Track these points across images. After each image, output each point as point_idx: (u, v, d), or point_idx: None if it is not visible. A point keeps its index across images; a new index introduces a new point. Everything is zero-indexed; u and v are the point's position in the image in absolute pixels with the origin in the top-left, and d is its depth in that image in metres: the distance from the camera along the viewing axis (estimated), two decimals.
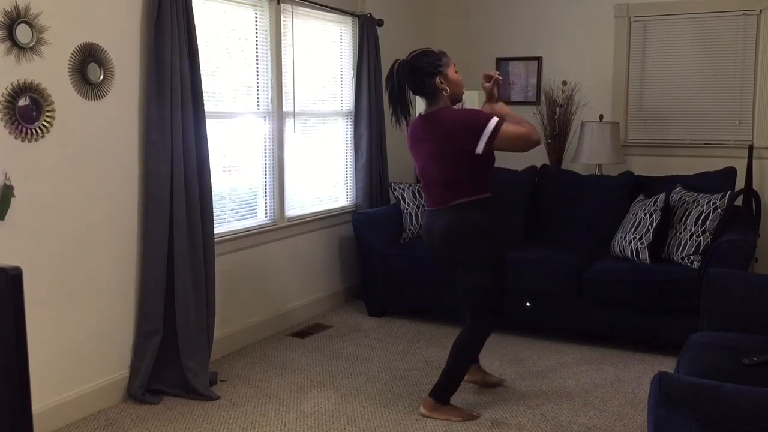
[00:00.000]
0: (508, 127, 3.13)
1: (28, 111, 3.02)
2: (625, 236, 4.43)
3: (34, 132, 3.04)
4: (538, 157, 5.68)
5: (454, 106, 3.34)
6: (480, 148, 3.10)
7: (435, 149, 3.21)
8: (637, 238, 4.33)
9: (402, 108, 3.24)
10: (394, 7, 5.66)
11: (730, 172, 4.66)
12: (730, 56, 5.30)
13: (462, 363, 3.41)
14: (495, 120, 3.12)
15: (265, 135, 4.51)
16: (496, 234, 3.29)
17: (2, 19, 2.91)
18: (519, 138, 3.16)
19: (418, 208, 5.04)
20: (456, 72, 3.28)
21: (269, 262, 4.55)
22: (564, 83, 5.65)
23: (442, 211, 3.26)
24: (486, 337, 3.44)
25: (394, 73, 3.23)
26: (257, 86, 4.42)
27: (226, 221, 4.22)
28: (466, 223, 3.22)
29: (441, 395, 3.40)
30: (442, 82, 3.23)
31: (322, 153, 5.10)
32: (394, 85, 3.23)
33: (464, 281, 3.32)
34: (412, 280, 4.81)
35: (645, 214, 4.36)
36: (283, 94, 4.58)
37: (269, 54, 4.47)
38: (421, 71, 3.22)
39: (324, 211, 5.07)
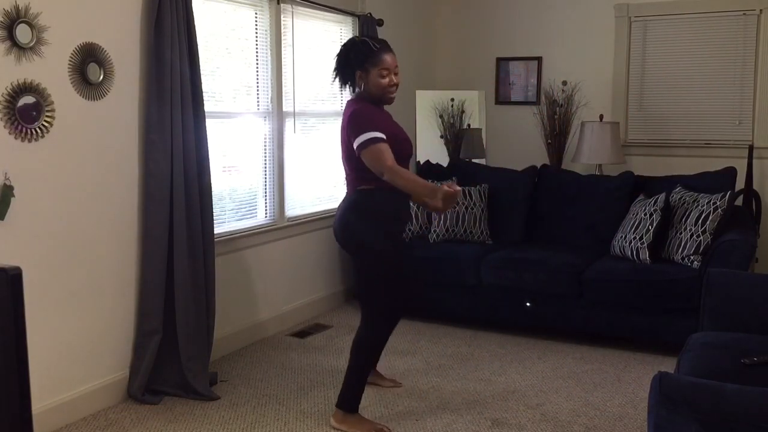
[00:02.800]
0: (379, 150, 3.07)
1: (28, 111, 3.02)
2: (625, 236, 4.43)
3: (34, 132, 3.04)
4: (538, 157, 5.69)
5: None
6: (354, 146, 3.12)
7: (343, 136, 3.25)
8: (637, 238, 4.33)
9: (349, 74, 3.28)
10: (394, 7, 5.66)
11: (730, 172, 4.66)
12: (730, 56, 5.30)
13: (359, 366, 3.26)
14: (377, 135, 3.08)
15: (265, 135, 4.51)
16: (387, 225, 3.23)
17: (2, 19, 2.91)
18: (380, 165, 3.06)
19: (418, 208, 5.04)
20: (383, 77, 3.18)
21: (269, 262, 4.55)
22: (564, 83, 5.65)
23: (347, 196, 3.29)
24: (381, 339, 3.30)
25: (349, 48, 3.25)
26: (257, 86, 4.42)
27: (226, 221, 4.22)
28: (364, 206, 3.20)
29: (345, 404, 3.27)
30: (360, 78, 3.23)
31: (322, 153, 5.10)
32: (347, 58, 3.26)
33: (358, 271, 3.33)
34: (412, 280, 4.81)
35: (645, 214, 4.36)
36: (283, 94, 4.58)
37: (269, 54, 4.47)
38: (348, 57, 3.24)
39: (324, 211, 5.07)
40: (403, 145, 3.25)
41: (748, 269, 3.97)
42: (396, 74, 3.25)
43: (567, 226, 4.96)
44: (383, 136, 3.10)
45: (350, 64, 3.24)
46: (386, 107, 3.34)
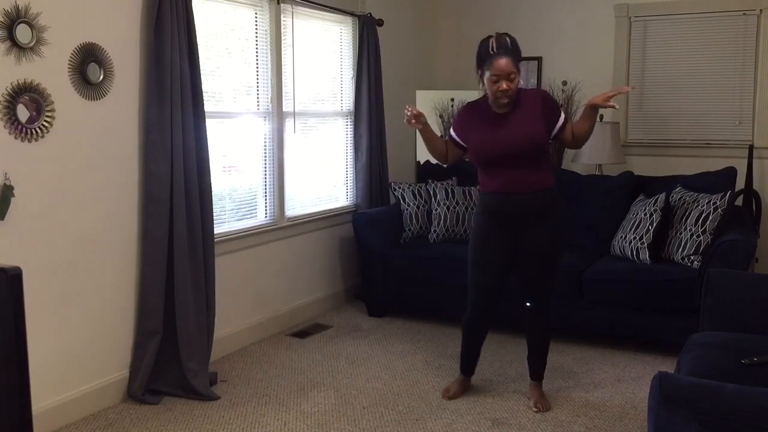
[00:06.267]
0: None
1: (28, 111, 3.02)
2: (625, 236, 4.43)
3: (34, 132, 3.04)
4: None
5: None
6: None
7: None
8: (637, 238, 4.33)
9: None
10: (394, 7, 5.66)
11: (730, 172, 4.66)
12: (730, 56, 5.30)
13: (463, 336, 3.70)
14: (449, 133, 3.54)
15: (265, 135, 4.51)
16: (479, 229, 3.50)
17: (2, 19, 2.91)
18: None
19: (418, 208, 5.04)
20: (494, 82, 3.23)
21: (269, 262, 4.55)
22: (564, 83, 5.65)
23: None
24: (465, 326, 3.66)
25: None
26: (257, 86, 4.42)
27: (226, 221, 4.22)
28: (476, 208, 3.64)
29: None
30: (479, 76, 3.34)
31: (322, 153, 5.10)
32: None
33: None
34: (412, 280, 4.81)
35: (645, 214, 4.36)
36: (283, 94, 4.58)
37: (269, 54, 4.47)
38: (478, 53, 3.34)
39: (324, 211, 5.07)
40: (476, 152, 3.40)
41: (748, 269, 3.96)
42: (511, 80, 3.23)
43: (567, 226, 4.93)
44: (451, 134, 3.54)
45: (477, 60, 3.34)
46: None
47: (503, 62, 3.19)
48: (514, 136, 3.31)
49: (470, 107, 3.49)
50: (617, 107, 3.33)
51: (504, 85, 3.22)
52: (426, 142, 3.54)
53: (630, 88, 3.41)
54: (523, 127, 3.32)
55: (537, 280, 3.50)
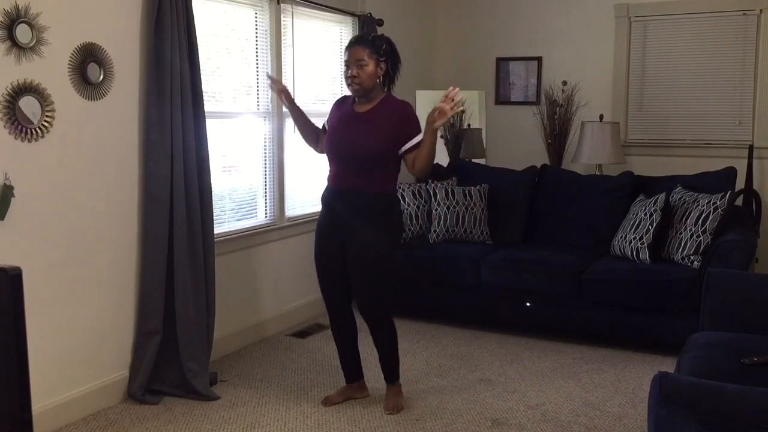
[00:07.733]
0: None
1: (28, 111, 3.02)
2: (625, 236, 4.43)
3: (34, 132, 3.04)
4: (538, 157, 5.69)
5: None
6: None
7: None
8: (637, 238, 4.33)
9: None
10: (394, 7, 5.66)
11: (730, 172, 4.66)
12: (730, 56, 5.30)
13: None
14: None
15: (265, 135, 4.51)
16: (319, 220, 3.56)
17: (2, 19, 2.91)
18: None
19: (418, 208, 5.04)
20: (347, 69, 3.34)
21: (269, 262, 4.55)
22: (564, 83, 5.65)
23: None
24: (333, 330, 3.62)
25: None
26: (257, 86, 4.42)
27: (226, 221, 4.22)
28: None
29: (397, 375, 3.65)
30: None
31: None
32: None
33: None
34: (412, 280, 4.81)
35: (645, 214, 4.36)
36: None
37: (269, 54, 4.47)
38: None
39: None
40: (326, 145, 3.50)
41: (748, 269, 3.97)
42: (360, 68, 3.28)
43: (567, 226, 4.96)
44: (324, 124, 3.58)
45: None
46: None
47: (352, 50, 3.30)
48: (352, 141, 3.34)
49: (340, 100, 3.56)
50: (464, 109, 3.35)
51: (353, 71, 3.28)
52: (296, 123, 3.64)
53: None
54: (366, 135, 3.32)
55: (360, 286, 3.40)
